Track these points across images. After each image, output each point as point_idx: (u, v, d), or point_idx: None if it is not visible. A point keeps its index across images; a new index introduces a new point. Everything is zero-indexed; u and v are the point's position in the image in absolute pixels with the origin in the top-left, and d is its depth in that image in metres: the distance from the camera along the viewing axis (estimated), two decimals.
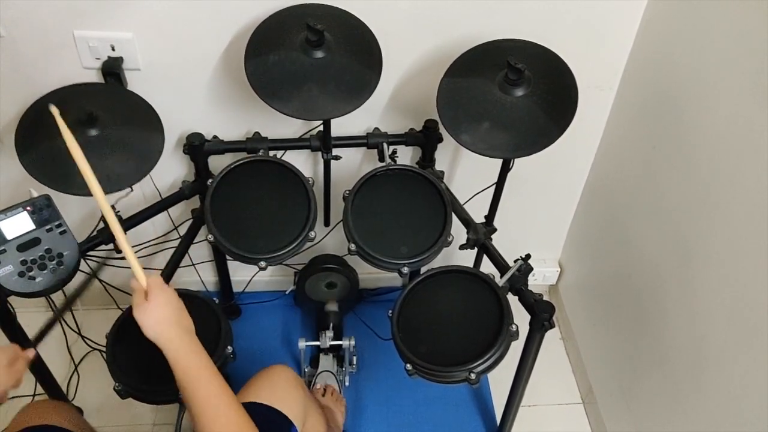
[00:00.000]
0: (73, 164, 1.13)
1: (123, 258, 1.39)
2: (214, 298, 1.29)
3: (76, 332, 1.63)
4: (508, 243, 1.43)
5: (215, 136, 1.46)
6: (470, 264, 1.43)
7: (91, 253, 1.27)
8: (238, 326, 1.82)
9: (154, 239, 1.62)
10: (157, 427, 1.64)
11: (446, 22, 1.33)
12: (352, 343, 1.64)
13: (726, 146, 1.13)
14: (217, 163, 1.43)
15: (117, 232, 1.02)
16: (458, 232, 1.32)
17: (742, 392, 1.10)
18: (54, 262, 1.12)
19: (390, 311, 1.23)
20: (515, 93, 1.21)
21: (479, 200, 1.51)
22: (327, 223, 1.60)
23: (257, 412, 1.14)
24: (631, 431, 1.51)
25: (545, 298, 1.23)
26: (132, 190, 1.33)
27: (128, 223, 1.33)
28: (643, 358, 1.45)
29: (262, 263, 1.25)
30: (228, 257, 1.62)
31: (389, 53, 1.26)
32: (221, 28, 1.30)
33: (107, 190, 1.17)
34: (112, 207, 1.31)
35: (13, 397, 1.64)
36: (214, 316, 1.25)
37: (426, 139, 1.46)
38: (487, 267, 1.33)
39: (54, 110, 0.99)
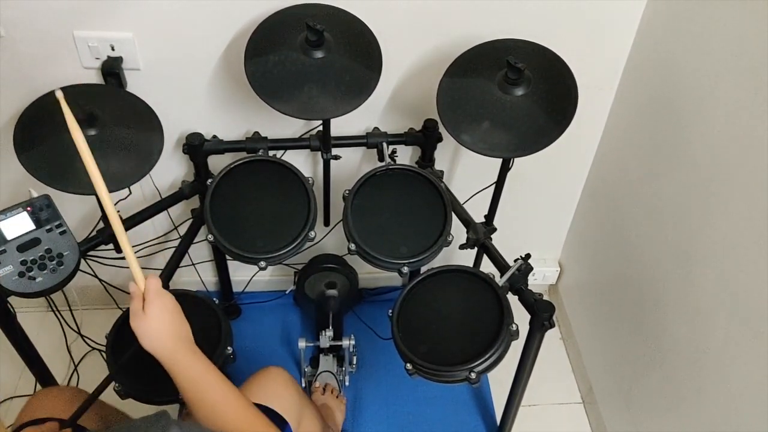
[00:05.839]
0: (73, 162, 1.14)
1: (123, 258, 1.40)
2: (214, 298, 1.30)
3: (76, 332, 1.63)
4: (508, 242, 1.43)
5: (215, 136, 1.46)
6: (470, 264, 1.43)
7: (91, 253, 1.27)
8: (238, 326, 1.82)
9: (153, 239, 1.62)
10: None
11: (446, 22, 1.33)
12: (352, 342, 1.64)
13: (725, 146, 1.13)
14: (217, 163, 1.43)
15: (119, 233, 1.01)
16: (458, 231, 1.32)
17: (741, 392, 1.10)
18: (54, 262, 1.12)
19: (390, 311, 1.23)
20: (515, 92, 1.21)
21: (479, 200, 1.51)
22: (327, 222, 1.60)
23: None
24: (631, 431, 1.51)
25: (545, 297, 1.23)
26: (130, 192, 1.33)
27: (128, 223, 1.33)
28: (643, 358, 1.45)
29: (262, 263, 1.25)
30: (228, 257, 1.62)
31: (389, 53, 1.26)
32: (221, 28, 1.30)
33: (108, 188, 1.17)
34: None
35: (13, 398, 1.64)
36: (214, 316, 1.25)
37: (425, 138, 1.46)
38: (487, 267, 1.33)
39: (60, 95, 0.96)
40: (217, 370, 0.97)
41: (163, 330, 0.96)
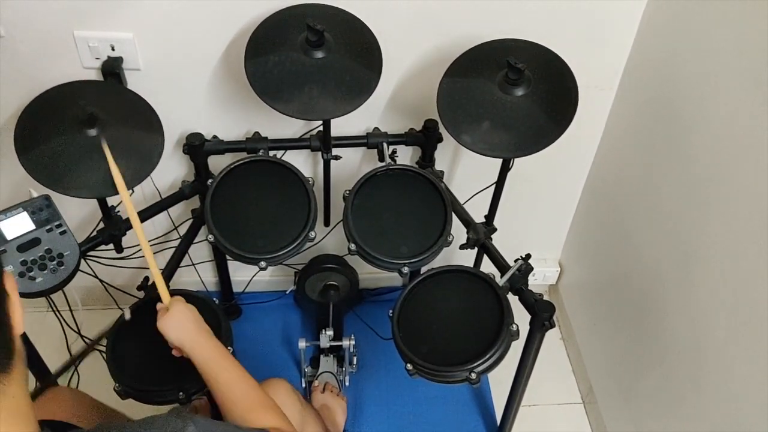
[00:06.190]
0: (73, 165, 1.14)
1: (123, 258, 1.40)
2: (214, 299, 1.29)
3: (76, 332, 1.63)
4: (508, 243, 1.43)
5: (215, 136, 1.46)
6: (470, 264, 1.43)
7: (91, 253, 1.27)
8: (238, 326, 1.82)
9: (154, 239, 1.62)
10: None
11: (446, 22, 1.33)
12: (352, 343, 1.64)
13: (725, 146, 1.13)
14: (217, 163, 1.43)
15: (151, 262, 1.12)
16: (458, 231, 1.32)
17: (741, 392, 1.10)
18: (54, 262, 1.12)
19: (390, 311, 1.23)
20: (515, 93, 1.21)
21: (479, 200, 1.51)
22: (327, 223, 1.60)
23: None
24: (631, 431, 1.51)
25: (545, 297, 1.23)
26: (133, 191, 1.33)
27: (128, 223, 1.32)
28: (643, 358, 1.45)
29: (262, 263, 1.25)
30: (228, 257, 1.62)
31: (389, 53, 1.26)
32: (221, 28, 1.30)
33: (108, 192, 1.17)
34: (112, 207, 1.32)
35: None
36: (214, 316, 1.25)
37: (426, 138, 1.46)
38: (488, 267, 1.33)
39: (105, 146, 1.14)
40: (233, 358, 1.06)
41: (184, 320, 1.07)
